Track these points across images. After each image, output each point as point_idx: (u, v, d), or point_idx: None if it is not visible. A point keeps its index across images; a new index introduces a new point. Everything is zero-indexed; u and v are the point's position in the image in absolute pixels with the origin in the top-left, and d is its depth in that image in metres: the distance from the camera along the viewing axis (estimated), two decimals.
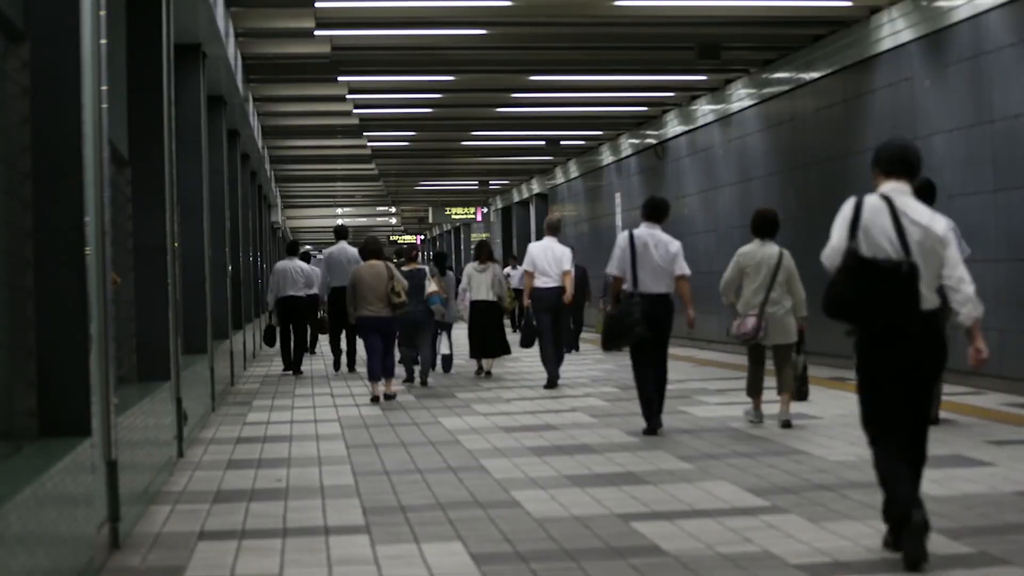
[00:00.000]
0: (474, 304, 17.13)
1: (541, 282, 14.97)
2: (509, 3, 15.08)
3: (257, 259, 27.03)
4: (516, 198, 41.21)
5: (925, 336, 6.11)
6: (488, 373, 17.43)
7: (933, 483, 7.91)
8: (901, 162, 6.32)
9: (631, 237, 10.82)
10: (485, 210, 46.20)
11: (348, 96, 21.01)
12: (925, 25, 14.45)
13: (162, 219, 10.10)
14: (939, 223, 6.21)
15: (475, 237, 51.29)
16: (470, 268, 17.39)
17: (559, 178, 34.65)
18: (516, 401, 13.94)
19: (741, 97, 20.39)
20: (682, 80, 21.17)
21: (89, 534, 6.02)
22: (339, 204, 48.68)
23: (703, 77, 20.66)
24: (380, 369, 14.22)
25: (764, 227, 11.10)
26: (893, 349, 6.11)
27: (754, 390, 11.33)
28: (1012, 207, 12.94)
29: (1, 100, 5.91)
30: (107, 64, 6.98)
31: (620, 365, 18.76)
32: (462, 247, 54.70)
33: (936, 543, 6.24)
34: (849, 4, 15.48)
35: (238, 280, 19.70)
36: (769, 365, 11.29)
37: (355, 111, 22.91)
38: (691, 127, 23.04)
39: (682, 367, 17.79)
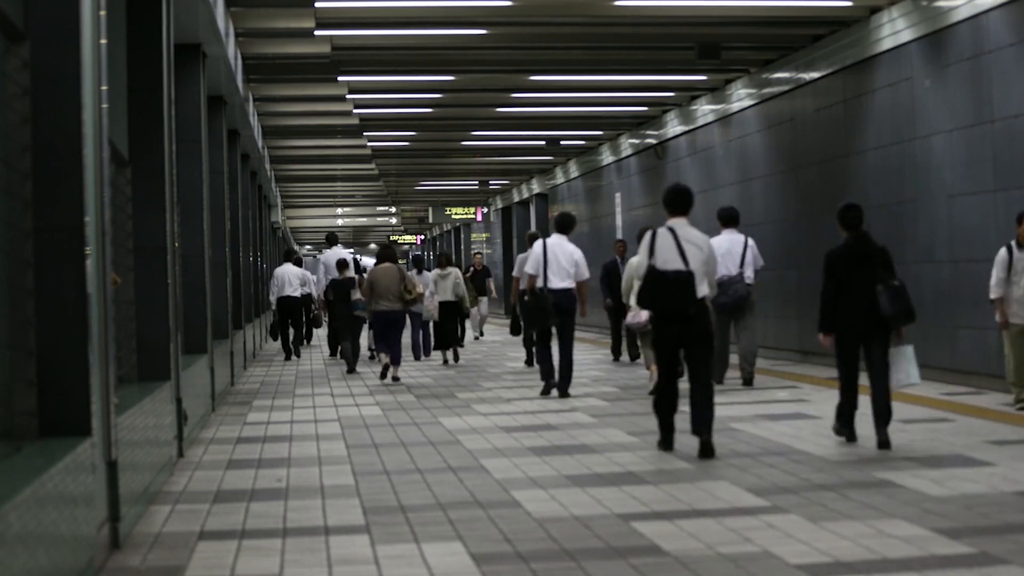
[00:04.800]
0: (440, 304, 19.97)
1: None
2: (509, 3, 15.08)
3: (257, 259, 27.06)
4: (516, 198, 41.20)
5: (699, 315, 9.46)
6: (452, 360, 20.16)
7: (933, 483, 7.92)
8: (679, 205, 9.74)
9: (544, 245, 13.99)
10: (485, 210, 46.19)
11: (348, 96, 21.00)
12: (925, 25, 14.45)
13: (162, 219, 10.10)
14: (706, 243, 9.64)
15: (476, 237, 51.32)
16: (435, 274, 20.43)
17: (559, 178, 34.65)
18: (516, 401, 13.94)
19: (741, 97, 20.39)
20: (682, 80, 21.16)
21: (89, 534, 6.02)
22: (339, 204, 48.66)
23: (703, 77, 20.66)
24: (387, 349, 16.98)
25: None
26: (678, 325, 9.49)
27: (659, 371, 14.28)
28: (1012, 207, 12.93)
29: (1, 100, 5.91)
30: (107, 64, 6.98)
31: (620, 365, 18.77)
32: (462, 247, 54.68)
33: (936, 543, 6.25)
34: (849, 4, 15.47)
35: (239, 280, 19.80)
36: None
37: (355, 111, 22.90)
38: (691, 127, 23.04)
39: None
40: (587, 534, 6.74)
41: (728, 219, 14.82)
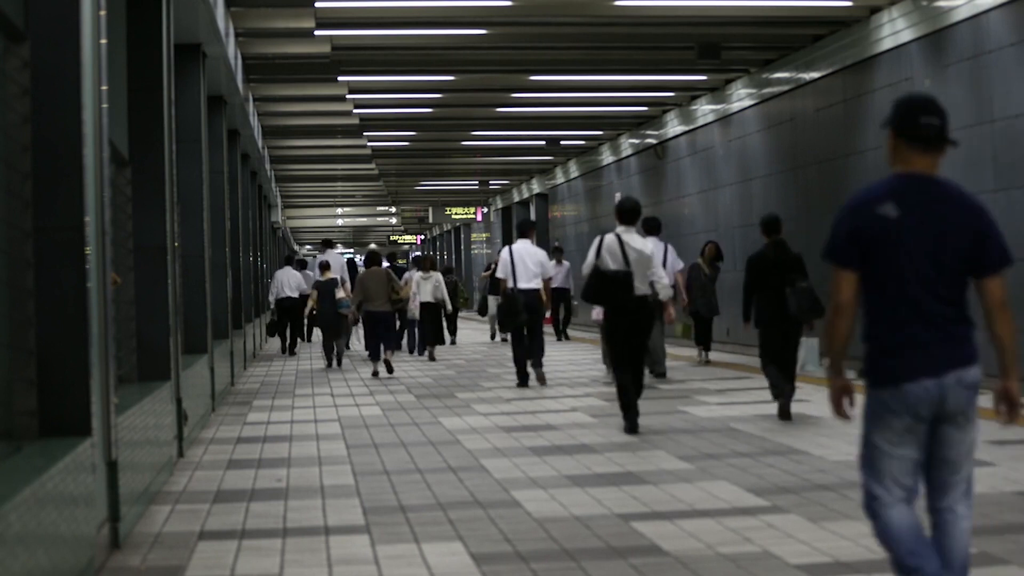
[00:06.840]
0: (421, 305, 21.02)
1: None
2: (509, 3, 15.09)
3: (257, 259, 27.07)
4: (516, 198, 41.21)
5: (639, 309, 10.89)
6: (429, 359, 20.95)
7: None
8: (628, 216, 11.06)
9: (511, 251, 15.31)
10: (485, 210, 46.20)
11: (348, 96, 21.01)
12: (925, 25, 14.45)
13: (162, 219, 10.10)
14: (647, 248, 11.08)
15: (476, 237, 51.31)
16: (417, 276, 21.38)
17: (559, 178, 34.66)
18: (516, 401, 13.94)
19: (741, 97, 20.39)
20: (682, 80, 21.17)
21: (89, 534, 6.02)
22: (339, 204, 48.64)
23: (703, 77, 20.67)
24: (379, 352, 18.05)
25: None
26: (621, 318, 10.90)
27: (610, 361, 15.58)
28: (1012, 207, 12.94)
29: (1, 100, 5.91)
30: (107, 64, 6.98)
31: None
32: (462, 247, 54.66)
33: None
34: (849, 4, 15.48)
35: (239, 280, 19.82)
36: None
37: (355, 111, 22.91)
38: (691, 127, 23.04)
39: (683, 367, 17.80)
40: (587, 534, 6.74)
41: (650, 228, 15.81)
